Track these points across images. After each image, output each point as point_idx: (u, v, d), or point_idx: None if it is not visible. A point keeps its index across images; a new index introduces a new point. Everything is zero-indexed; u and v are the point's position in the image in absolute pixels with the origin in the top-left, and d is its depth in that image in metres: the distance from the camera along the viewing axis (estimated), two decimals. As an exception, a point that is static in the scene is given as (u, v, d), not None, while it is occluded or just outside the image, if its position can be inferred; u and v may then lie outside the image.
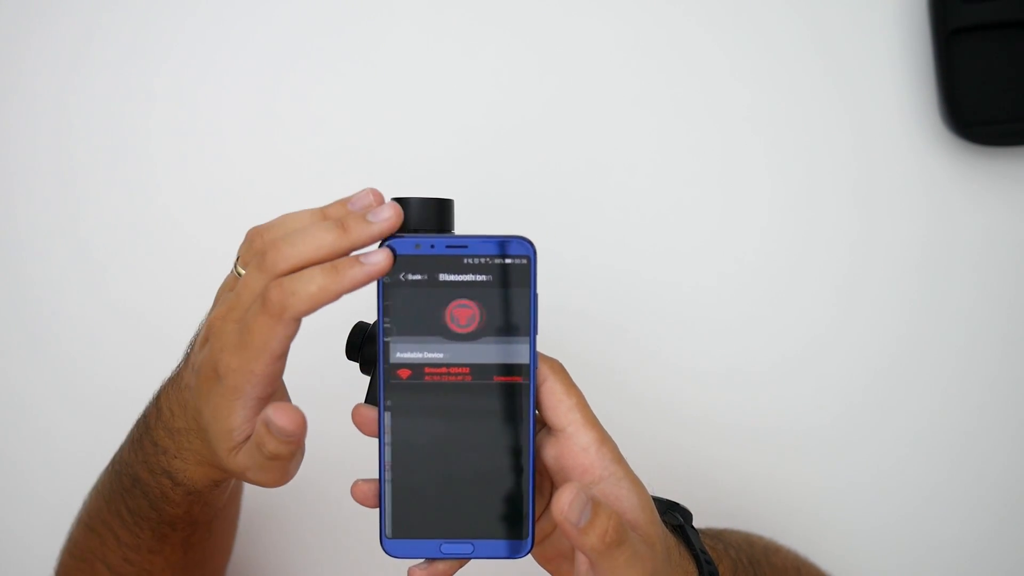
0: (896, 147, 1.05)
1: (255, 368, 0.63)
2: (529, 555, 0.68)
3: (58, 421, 1.07)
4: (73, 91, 1.08)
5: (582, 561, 0.64)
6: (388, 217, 0.64)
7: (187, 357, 0.72)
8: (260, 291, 0.62)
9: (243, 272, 0.65)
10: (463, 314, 0.64)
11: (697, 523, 0.79)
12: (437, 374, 0.65)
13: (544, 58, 1.07)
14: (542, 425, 0.67)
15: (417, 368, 0.65)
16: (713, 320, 1.06)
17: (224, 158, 1.08)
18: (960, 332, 1.05)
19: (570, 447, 0.65)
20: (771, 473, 1.06)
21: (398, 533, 0.65)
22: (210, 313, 0.68)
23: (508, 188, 1.06)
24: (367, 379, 0.76)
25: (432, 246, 0.64)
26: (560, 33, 1.07)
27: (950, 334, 1.05)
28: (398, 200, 0.75)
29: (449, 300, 0.64)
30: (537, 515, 0.68)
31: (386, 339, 0.65)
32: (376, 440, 0.67)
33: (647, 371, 1.06)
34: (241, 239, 1.05)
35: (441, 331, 0.65)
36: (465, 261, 0.64)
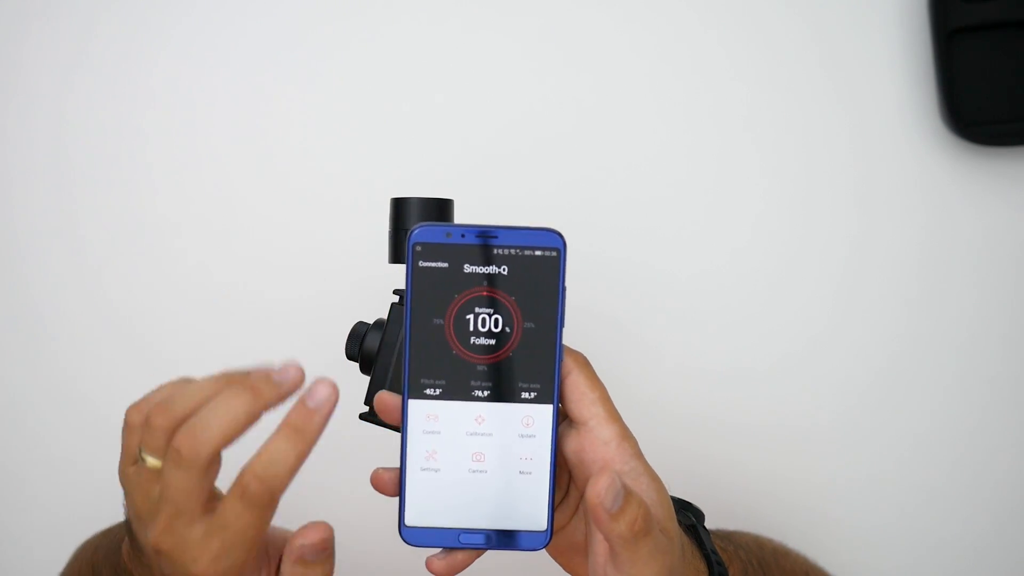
0: (896, 147, 1.06)
1: (247, 559, 0.61)
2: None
3: (53, 423, 1.06)
4: (70, 92, 1.07)
5: (599, 552, 0.64)
6: (294, 377, 0.60)
7: (131, 546, 0.68)
8: (198, 490, 0.59)
9: (151, 461, 0.60)
10: (490, 303, 0.64)
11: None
12: (460, 363, 0.64)
13: (544, 55, 1.07)
14: (564, 418, 0.67)
15: (442, 356, 0.64)
16: (713, 319, 1.06)
17: (222, 160, 1.07)
18: (960, 331, 1.05)
19: (591, 440, 0.65)
20: (771, 472, 1.06)
21: (417, 522, 0.65)
22: (142, 521, 0.62)
23: (509, 186, 1.06)
24: (367, 379, 0.75)
25: (463, 235, 0.63)
26: (561, 31, 1.07)
27: (950, 333, 1.05)
28: (397, 200, 0.75)
29: (477, 290, 0.64)
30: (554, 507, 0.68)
31: (412, 327, 0.64)
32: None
33: (646, 370, 1.06)
34: (239, 242, 1.05)
35: (467, 321, 0.64)
36: (495, 251, 0.63)
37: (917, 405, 1.06)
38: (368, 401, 0.75)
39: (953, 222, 1.05)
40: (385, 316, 0.76)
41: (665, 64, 1.07)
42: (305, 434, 0.59)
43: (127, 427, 0.62)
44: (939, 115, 1.04)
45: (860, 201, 1.06)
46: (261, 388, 0.59)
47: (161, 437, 0.60)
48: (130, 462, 0.62)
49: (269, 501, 0.59)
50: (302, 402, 0.60)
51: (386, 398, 0.65)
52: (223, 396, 0.59)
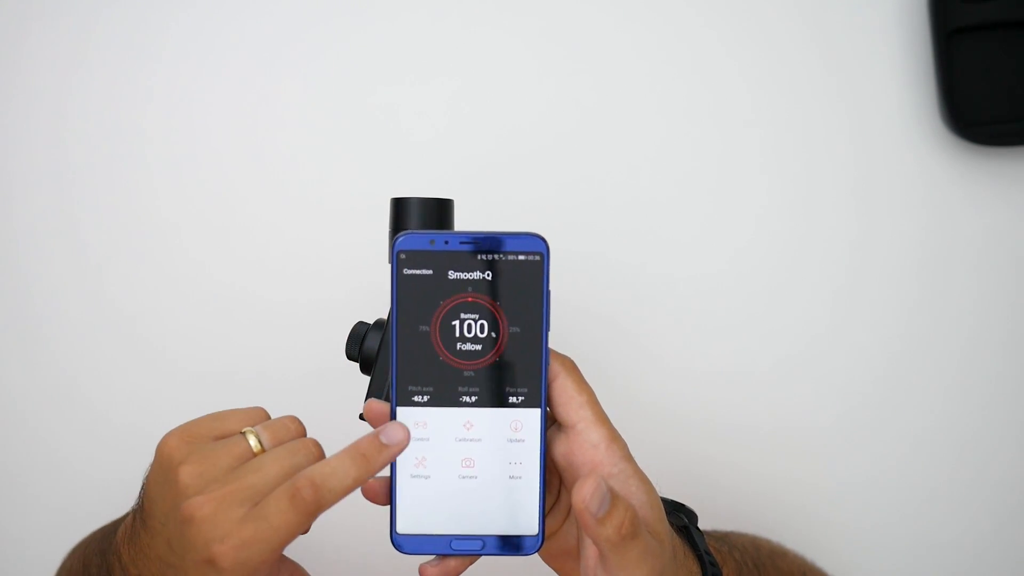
0: (896, 147, 1.05)
1: (268, 558, 0.61)
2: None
3: (53, 423, 1.06)
4: (70, 92, 1.07)
5: (590, 556, 0.64)
6: (401, 439, 0.64)
7: (141, 512, 0.68)
8: (285, 516, 0.60)
9: (255, 443, 0.64)
10: (475, 309, 0.64)
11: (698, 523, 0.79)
12: (447, 370, 0.64)
13: (545, 56, 1.07)
14: (552, 422, 0.67)
15: (429, 363, 0.64)
16: (713, 320, 1.06)
17: (222, 160, 1.07)
18: (960, 332, 1.05)
19: (580, 444, 0.65)
20: (771, 473, 1.06)
21: (408, 529, 0.65)
22: (185, 487, 0.63)
23: (509, 187, 1.06)
24: (367, 379, 0.76)
25: (446, 242, 0.64)
26: (561, 31, 1.07)
27: (950, 334, 1.05)
28: (397, 200, 0.75)
29: (461, 296, 0.64)
30: (545, 511, 0.68)
31: (399, 334, 0.64)
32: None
33: (646, 371, 1.06)
34: (239, 242, 1.05)
35: (452, 327, 0.64)
36: (478, 257, 0.64)
37: (917, 405, 1.05)
38: (369, 399, 0.76)
39: (953, 222, 1.05)
40: (385, 316, 0.76)
41: (666, 64, 1.07)
42: (369, 463, 0.62)
43: (231, 411, 0.66)
44: (939, 115, 1.04)
45: (860, 201, 1.05)
46: (372, 455, 0.62)
47: (286, 436, 0.65)
48: (214, 436, 0.65)
49: (314, 510, 0.60)
50: (376, 435, 0.63)
51: (375, 406, 0.66)
52: (344, 459, 0.62)
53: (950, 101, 1.02)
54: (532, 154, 1.06)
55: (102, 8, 1.07)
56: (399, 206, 0.75)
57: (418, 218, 0.75)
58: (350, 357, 0.76)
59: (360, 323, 0.77)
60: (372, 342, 0.75)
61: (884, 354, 1.05)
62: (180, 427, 0.65)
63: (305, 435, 0.66)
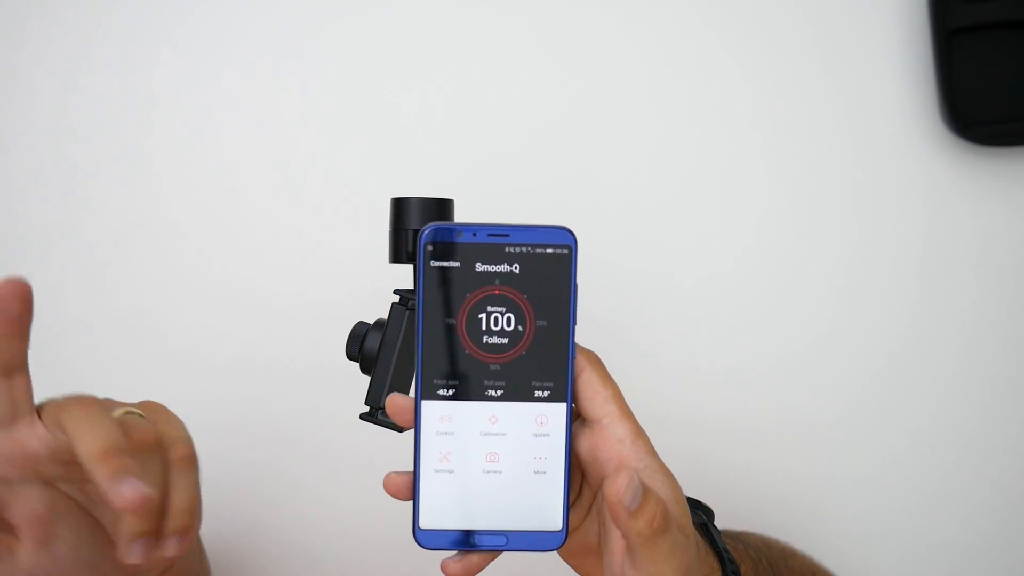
0: (896, 147, 1.06)
1: None
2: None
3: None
4: (73, 92, 1.06)
5: (616, 552, 0.64)
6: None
7: None
8: None
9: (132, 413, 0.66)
10: (501, 301, 0.63)
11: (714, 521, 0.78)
12: (473, 363, 0.64)
13: (544, 56, 1.07)
14: (577, 416, 0.66)
15: (455, 356, 0.64)
16: (714, 319, 1.06)
17: (224, 159, 1.06)
18: (960, 331, 1.05)
19: (605, 438, 0.65)
20: (772, 471, 1.05)
21: (431, 524, 0.64)
22: None
23: (509, 189, 1.06)
24: (367, 379, 0.75)
25: (474, 234, 0.63)
26: (560, 31, 1.07)
27: (950, 333, 1.05)
28: (398, 200, 0.75)
29: (488, 289, 0.63)
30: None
31: (424, 327, 0.63)
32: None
33: (647, 371, 1.06)
34: (240, 242, 1.04)
35: (479, 320, 0.64)
36: (506, 250, 0.63)
37: (917, 405, 1.06)
38: (368, 401, 0.75)
39: (953, 222, 1.05)
40: (385, 316, 0.76)
41: (665, 65, 1.07)
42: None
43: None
44: (939, 115, 1.05)
45: (860, 201, 1.06)
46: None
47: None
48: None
49: None
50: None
51: (398, 400, 0.65)
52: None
53: (950, 101, 1.02)
54: (532, 156, 1.06)
55: (105, 7, 1.06)
56: (399, 206, 0.75)
57: (418, 218, 0.74)
58: (350, 357, 0.76)
59: (360, 323, 0.76)
60: (372, 342, 0.75)
61: (884, 353, 1.06)
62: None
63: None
